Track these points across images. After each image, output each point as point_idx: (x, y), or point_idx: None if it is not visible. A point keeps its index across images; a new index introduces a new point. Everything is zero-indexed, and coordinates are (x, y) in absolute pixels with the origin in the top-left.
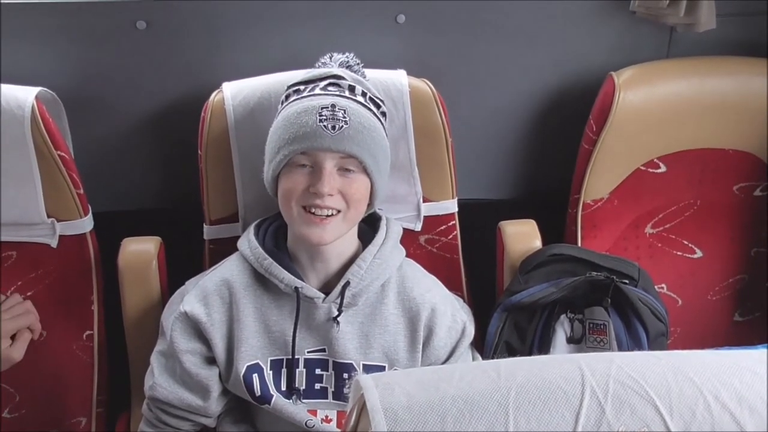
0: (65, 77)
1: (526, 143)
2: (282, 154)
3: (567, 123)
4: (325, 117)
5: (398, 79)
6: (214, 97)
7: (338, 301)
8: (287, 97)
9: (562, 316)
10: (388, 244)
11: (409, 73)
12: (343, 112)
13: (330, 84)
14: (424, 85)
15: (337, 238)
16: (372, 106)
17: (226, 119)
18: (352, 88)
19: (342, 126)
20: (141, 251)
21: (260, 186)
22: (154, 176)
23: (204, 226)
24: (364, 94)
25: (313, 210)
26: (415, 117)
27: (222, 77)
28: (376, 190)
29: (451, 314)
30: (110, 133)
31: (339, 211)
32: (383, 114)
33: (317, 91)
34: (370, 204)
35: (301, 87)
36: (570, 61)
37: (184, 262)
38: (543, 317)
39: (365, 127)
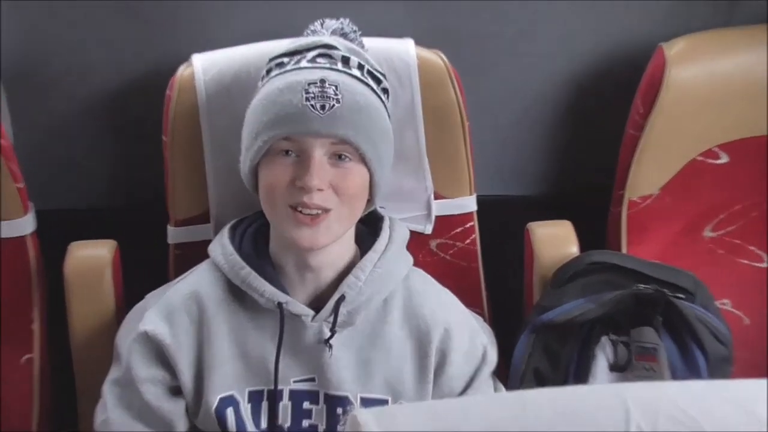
0: (3, 51)
1: (559, 128)
2: (261, 141)
3: (609, 104)
4: (312, 94)
5: (404, 49)
6: (182, 71)
7: (331, 319)
8: (268, 71)
9: (604, 338)
10: (392, 250)
11: (417, 43)
12: (334, 88)
13: (319, 55)
14: (435, 58)
15: (333, 241)
16: (371, 81)
17: (196, 98)
18: (346, 60)
19: (333, 105)
20: (92, 257)
21: (237, 179)
22: (108, 167)
23: (168, 227)
24: (361, 67)
25: (300, 208)
26: (424, 96)
27: (192, 47)
28: (377, 182)
29: (468, 336)
30: (57, 116)
31: (330, 209)
32: (385, 91)
33: (304, 63)
34: (370, 200)
35: (285, 59)
36: (613, 30)
37: (143, 271)
38: (580, 339)
39: (362, 106)
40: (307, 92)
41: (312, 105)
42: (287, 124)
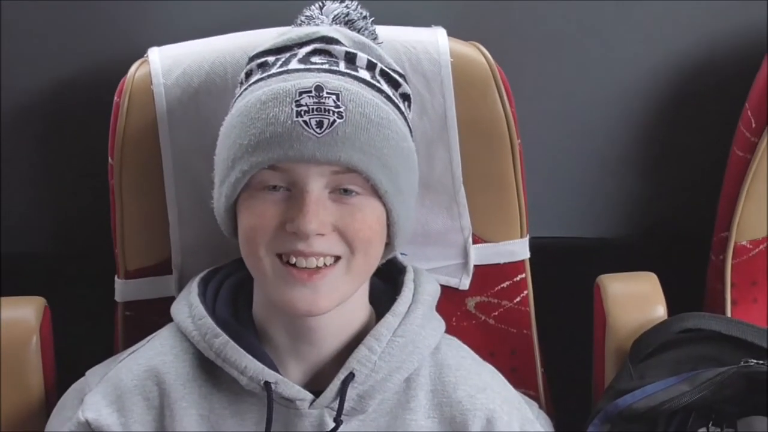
0: None
1: (637, 149)
2: (238, 171)
3: (706, 116)
4: (305, 107)
5: (433, 41)
6: (136, 70)
7: (335, 405)
8: (248, 75)
9: (702, 431)
10: (417, 313)
11: (450, 34)
12: (334, 97)
13: (315, 52)
14: (475, 53)
15: (339, 303)
16: (385, 86)
17: (153, 108)
18: (351, 58)
19: (333, 121)
20: (14, 321)
21: (208, 216)
22: (37, 200)
23: (116, 279)
24: (371, 66)
25: (294, 260)
26: (460, 104)
27: (149, 39)
28: (396, 221)
29: (519, 426)
30: None
31: (338, 259)
32: (405, 98)
33: (294, 64)
34: (389, 244)
35: (270, 58)
36: (712, 19)
37: (82, 339)
38: None
39: (372, 120)
40: (299, 104)
41: (305, 122)
42: (272, 148)
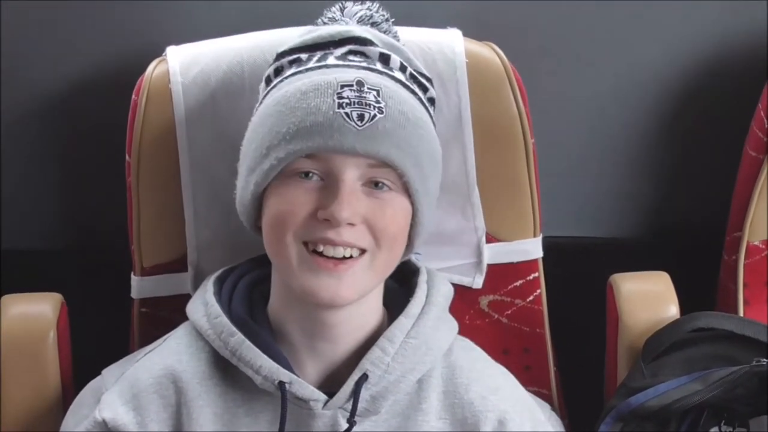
0: None
1: (649, 149)
2: (274, 158)
3: (718, 116)
4: (347, 100)
5: (449, 43)
6: (154, 69)
7: (349, 406)
8: (279, 70)
9: (714, 430)
10: (431, 314)
11: (465, 34)
12: (375, 93)
13: (351, 52)
14: (489, 53)
15: (360, 297)
16: (416, 88)
17: (171, 106)
18: (385, 59)
19: (374, 115)
20: (30, 317)
21: (224, 214)
22: (53, 197)
23: (132, 276)
24: (403, 69)
25: (321, 249)
26: (474, 104)
27: (166, 38)
28: (421, 221)
29: (531, 428)
30: None
31: (363, 252)
32: (432, 102)
33: (332, 60)
34: (410, 243)
35: (303, 55)
36: (723, 19)
37: (98, 336)
38: (682, 431)
39: (409, 119)
40: (341, 96)
41: (347, 113)
42: (313, 137)
